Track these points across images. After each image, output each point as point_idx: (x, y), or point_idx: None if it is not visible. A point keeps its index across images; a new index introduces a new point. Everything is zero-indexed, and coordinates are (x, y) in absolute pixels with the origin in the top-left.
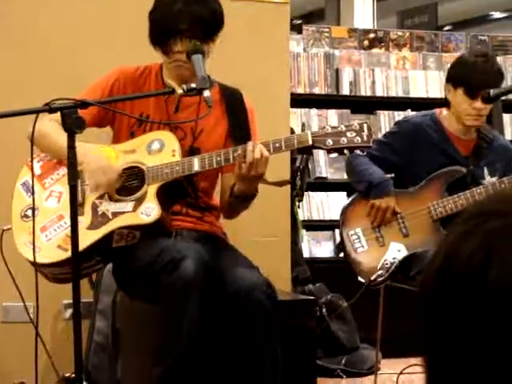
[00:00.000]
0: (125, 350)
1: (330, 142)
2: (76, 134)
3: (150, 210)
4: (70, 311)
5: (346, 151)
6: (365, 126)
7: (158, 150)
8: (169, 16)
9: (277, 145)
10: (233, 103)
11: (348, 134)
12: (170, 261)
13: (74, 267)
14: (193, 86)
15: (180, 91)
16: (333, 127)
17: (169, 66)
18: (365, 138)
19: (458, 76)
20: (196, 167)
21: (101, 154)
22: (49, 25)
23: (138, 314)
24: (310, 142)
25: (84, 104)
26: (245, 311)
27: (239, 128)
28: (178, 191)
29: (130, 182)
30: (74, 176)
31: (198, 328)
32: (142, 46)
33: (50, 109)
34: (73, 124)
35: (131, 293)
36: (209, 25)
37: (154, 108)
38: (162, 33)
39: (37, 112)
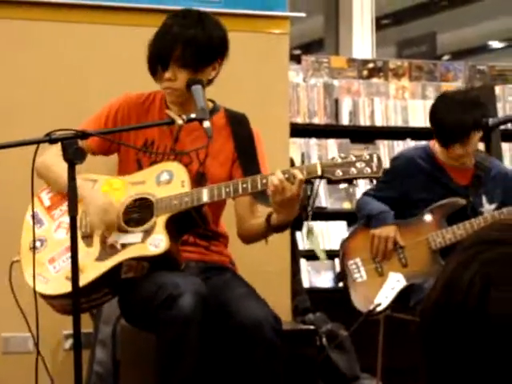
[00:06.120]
0: (125, 381)
1: (339, 172)
2: (76, 165)
3: (158, 242)
4: (70, 341)
5: (355, 182)
6: (374, 156)
7: (167, 182)
8: (163, 41)
9: (286, 175)
10: (238, 127)
11: (358, 164)
12: (168, 297)
13: (73, 298)
14: (192, 116)
15: (180, 122)
16: (342, 157)
17: (163, 91)
18: (374, 169)
19: (433, 126)
20: (205, 198)
21: (102, 192)
22: (50, 54)
23: (138, 344)
24: (319, 173)
25: (84, 135)
26: (251, 346)
27: (245, 151)
28: (187, 222)
29: (140, 213)
30: (74, 207)
31: (197, 364)
32: (146, 75)
33: (50, 139)
34: (73, 155)
35: (134, 323)
36: (203, 53)
37: (159, 133)
38: (154, 57)
39: (37, 142)
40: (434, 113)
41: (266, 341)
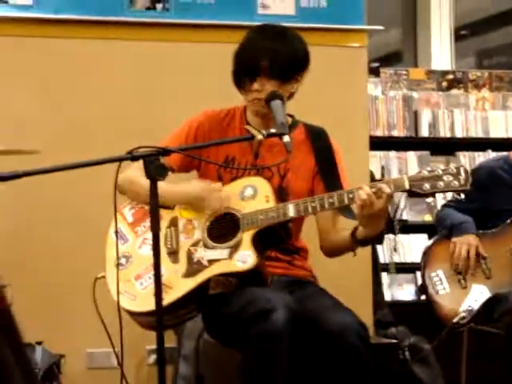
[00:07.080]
0: None
1: (426, 186)
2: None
3: (246, 258)
4: (153, 357)
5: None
6: (461, 169)
7: (252, 197)
8: (250, 53)
9: (373, 189)
10: (318, 141)
11: (445, 177)
12: (259, 312)
13: (157, 315)
14: (272, 131)
15: (260, 137)
16: (430, 171)
17: (247, 103)
18: (462, 182)
19: None
20: (291, 213)
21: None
22: (127, 73)
23: (221, 358)
24: (407, 187)
25: (166, 151)
26: (337, 353)
27: (326, 165)
28: (273, 238)
29: (225, 228)
30: (156, 223)
31: (286, 379)
32: (222, 93)
33: (132, 157)
34: (155, 171)
35: (219, 338)
36: (289, 65)
37: (239, 150)
38: (241, 70)
39: (119, 160)
40: None
41: (349, 346)
